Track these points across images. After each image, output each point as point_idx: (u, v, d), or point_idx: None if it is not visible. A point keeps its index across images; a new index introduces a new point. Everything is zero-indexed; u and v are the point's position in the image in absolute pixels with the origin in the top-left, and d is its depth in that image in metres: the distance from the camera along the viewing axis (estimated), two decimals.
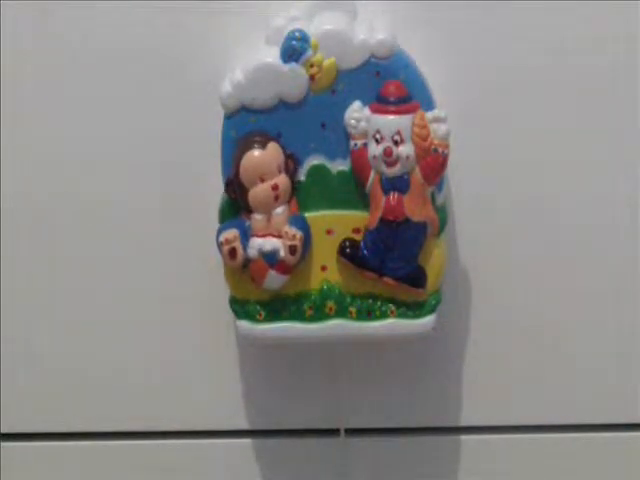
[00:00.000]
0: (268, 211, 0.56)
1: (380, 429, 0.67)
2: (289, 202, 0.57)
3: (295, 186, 0.57)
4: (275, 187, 0.56)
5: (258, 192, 0.56)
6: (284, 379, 0.66)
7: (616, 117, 0.61)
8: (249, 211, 0.56)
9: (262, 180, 0.56)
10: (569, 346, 0.65)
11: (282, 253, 0.56)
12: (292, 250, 0.56)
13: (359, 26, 0.56)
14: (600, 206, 0.62)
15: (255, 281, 0.57)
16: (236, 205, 0.57)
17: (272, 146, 0.56)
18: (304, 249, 0.56)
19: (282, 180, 0.56)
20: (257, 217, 0.56)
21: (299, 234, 0.56)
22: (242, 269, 0.57)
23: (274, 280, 0.57)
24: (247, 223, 0.57)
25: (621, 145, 0.61)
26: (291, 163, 0.56)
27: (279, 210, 0.56)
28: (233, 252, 0.56)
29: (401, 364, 0.65)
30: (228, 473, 0.68)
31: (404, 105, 0.55)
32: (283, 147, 0.56)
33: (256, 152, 0.56)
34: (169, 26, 0.60)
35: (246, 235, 0.57)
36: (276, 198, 0.56)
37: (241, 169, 0.56)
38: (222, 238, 0.56)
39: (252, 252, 0.56)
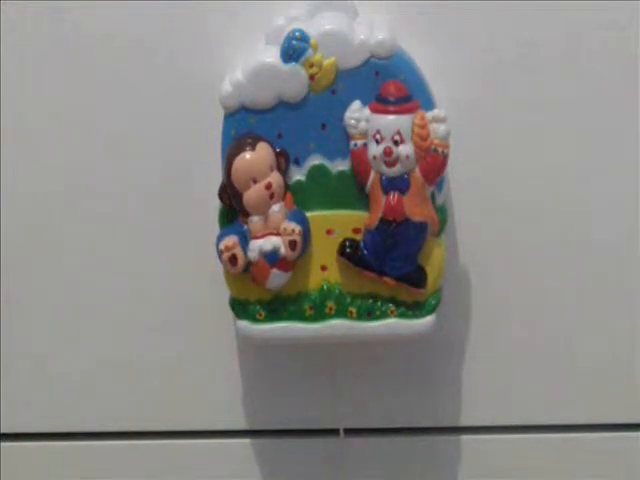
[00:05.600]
0: (264, 211, 0.56)
1: (380, 429, 0.67)
2: (284, 199, 0.57)
3: (289, 183, 0.57)
4: (268, 186, 0.56)
5: (252, 194, 0.56)
6: (284, 379, 0.66)
7: (617, 116, 0.61)
8: (246, 214, 0.56)
9: (254, 181, 0.56)
10: (569, 346, 0.65)
11: (282, 250, 0.56)
12: (292, 245, 0.56)
13: (359, 26, 0.56)
14: (600, 206, 0.62)
15: (257, 282, 0.57)
16: (231, 213, 0.57)
17: (261, 146, 0.56)
18: (304, 243, 0.56)
19: (275, 178, 0.56)
20: (254, 219, 0.56)
21: (298, 228, 0.56)
22: (243, 273, 0.57)
23: (277, 278, 0.57)
24: (245, 227, 0.57)
25: (622, 144, 0.61)
26: (282, 160, 0.56)
27: (275, 208, 0.56)
28: (234, 259, 0.56)
29: (401, 364, 0.65)
30: (228, 473, 0.68)
31: (404, 105, 0.55)
32: (273, 145, 0.56)
33: (247, 155, 0.56)
34: (169, 26, 0.60)
35: (245, 239, 0.56)
36: (271, 197, 0.56)
37: (232, 174, 0.56)
38: (222, 246, 0.56)
39: (253, 255, 0.56)
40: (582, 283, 0.64)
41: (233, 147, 0.56)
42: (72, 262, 0.65)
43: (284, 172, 0.56)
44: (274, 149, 0.56)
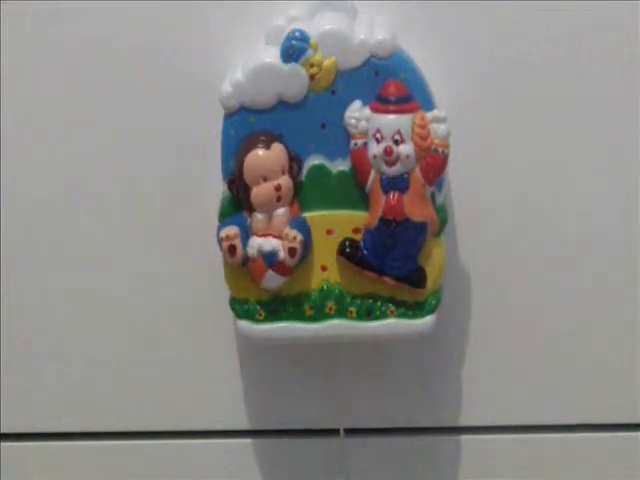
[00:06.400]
0: (269, 211, 0.56)
1: (380, 429, 0.67)
2: (291, 205, 0.57)
3: (297, 188, 0.57)
4: (278, 187, 0.56)
5: (260, 191, 0.56)
6: (284, 379, 0.66)
7: (617, 116, 0.61)
8: (251, 210, 0.56)
9: (265, 180, 0.56)
10: (569, 346, 0.65)
11: (281, 254, 0.56)
12: (291, 252, 0.56)
13: (359, 26, 0.56)
14: (600, 206, 0.62)
15: (254, 279, 0.57)
16: (237, 204, 0.57)
17: (276, 146, 0.56)
18: (304, 251, 0.56)
19: (285, 181, 0.56)
20: (258, 216, 0.56)
21: (299, 237, 0.56)
22: (242, 266, 0.57)
23: (272, 280, 0.57)
24: (248, 221, 0.57)
25: (622, 144, 0.61)
26: (295, 165, 0.56)
27: (280, 211, 0.56)
28: (233, 249, 0.56)
29: (401, 364, 0.65)
30: (228, 473, 0.68)
31: (404, 105, 0.55)
32: (288, 149, 0.56)
33: (260, 151, 0.56)
34: (169, 26, 0.60)
35: (247, 233, 0.56)
36: (278, 199, 0.56)
37: (244, 167, 0.56)
38: (223, 234, 0.56)
39: (251, 252, 0.56)
40: (582, 283, 0.64)
41: (249, 141, 0.56)
42: (72, 262, 0.64)
43: (295, 177, 0.56)
44: (289, 153, 0.56)
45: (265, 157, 0.56)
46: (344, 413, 0.66)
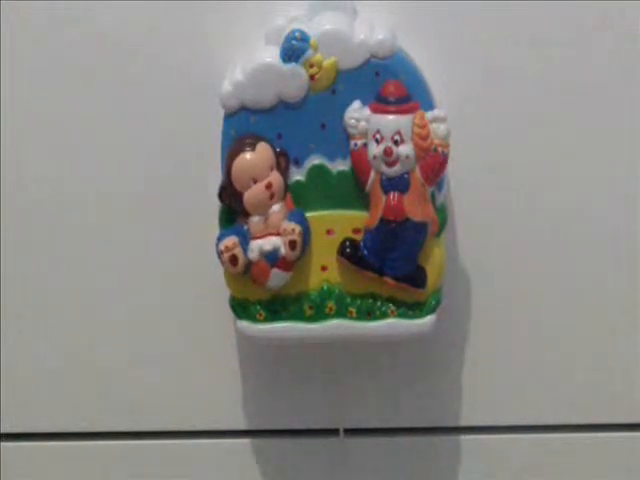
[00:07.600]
0: (264, 211, 0.56)
1: (380, 429, 0.67)
2: (285, 200, 0.57)
3: (289, 183, 0.57)
4: (269, 186, 0.56)
5: (252, 194, 0.56)
6: (284, 379, 0.66)
7: (618, 116, 0.61)
8: (246, 215, 0.56)
9: (255, 181, 0.56)
10: (569, 346, 0.65)
11: (282, 250, 0.56)
12: (292, 245, 0.56)
13: (359, 26, 0.56)
14: (601, 205, 0.62)
15: (258, 282, 0.57)
16: (231, 214, 0.57)
17: (261, 146, 0.56)
18: (304, 243, 0.56)
19: (275, 178, 0.56)
20: (254, 219, 0.56)
21: (298, 228, 0.56)
22: (244, 274, 0.57)
23: (277, 278, 0.57)
24: (245, 227, 0.57)
25: (622, 144, 0.61)
26: (282, 160, 0.56)
27: (275, 208, 0.56)
28: (234, 259, 0.56)
29: (401, 364, 0.65)
30: (228, 473, 0.68)
31: (404, 105, 0.55)
32: (273, 145, 0.56)
33: (247, 155, 0.56)
34: (169, 26, 0.60)
35: (246, 239, 0.56)
36: (271, 197, 0.56)
37: (233, 174, 0.56)
38: (222, 246, 0.56)
39: (253, 255, 0.56)
40: (582, 283, 0.64)
41: (233, 147, 0.56)
42: (72, 262, 0.64)
43: (284, 172, 0.57)
44: (274, 149, 0.56)
45: (251, 159, 0.55)
46: (344, 413, 0.66)
